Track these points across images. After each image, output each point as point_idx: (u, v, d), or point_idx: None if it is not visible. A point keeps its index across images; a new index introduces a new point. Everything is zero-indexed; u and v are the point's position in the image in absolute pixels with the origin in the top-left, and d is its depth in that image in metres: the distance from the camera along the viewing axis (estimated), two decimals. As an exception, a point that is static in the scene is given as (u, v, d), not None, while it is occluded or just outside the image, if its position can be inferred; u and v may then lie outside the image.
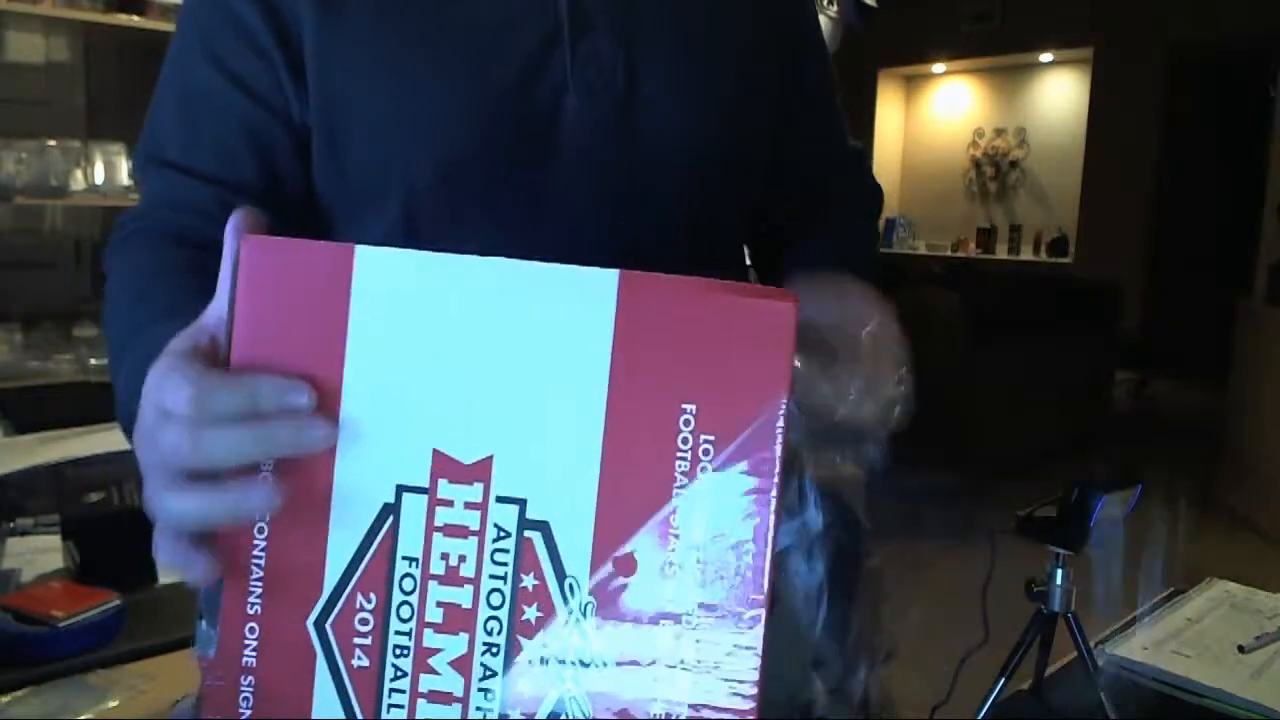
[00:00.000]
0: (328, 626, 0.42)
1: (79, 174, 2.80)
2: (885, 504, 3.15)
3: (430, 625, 0.42)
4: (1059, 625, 1.37)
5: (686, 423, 0.41)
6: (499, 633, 0.42)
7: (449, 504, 0.42)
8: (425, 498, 0.42)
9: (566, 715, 0.41)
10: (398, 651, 0.42)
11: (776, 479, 0.41)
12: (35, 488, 1.27)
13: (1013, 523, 1.42)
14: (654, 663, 0.41)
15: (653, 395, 0.41)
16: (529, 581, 0.42)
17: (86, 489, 1.21)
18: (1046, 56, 7.71)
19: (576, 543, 0.41)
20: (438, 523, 0.42)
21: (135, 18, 2.81)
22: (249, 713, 0.42)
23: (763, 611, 0.42)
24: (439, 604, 0.42)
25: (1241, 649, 1.23)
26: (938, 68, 8.30)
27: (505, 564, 0.42)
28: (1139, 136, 6.91)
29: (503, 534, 0.42)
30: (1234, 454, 4.30)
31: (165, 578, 1.12)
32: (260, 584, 0.42)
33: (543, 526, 0.41)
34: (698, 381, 0.41)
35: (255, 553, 0.42)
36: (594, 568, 0.41)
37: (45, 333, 2.87)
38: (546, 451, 0.41)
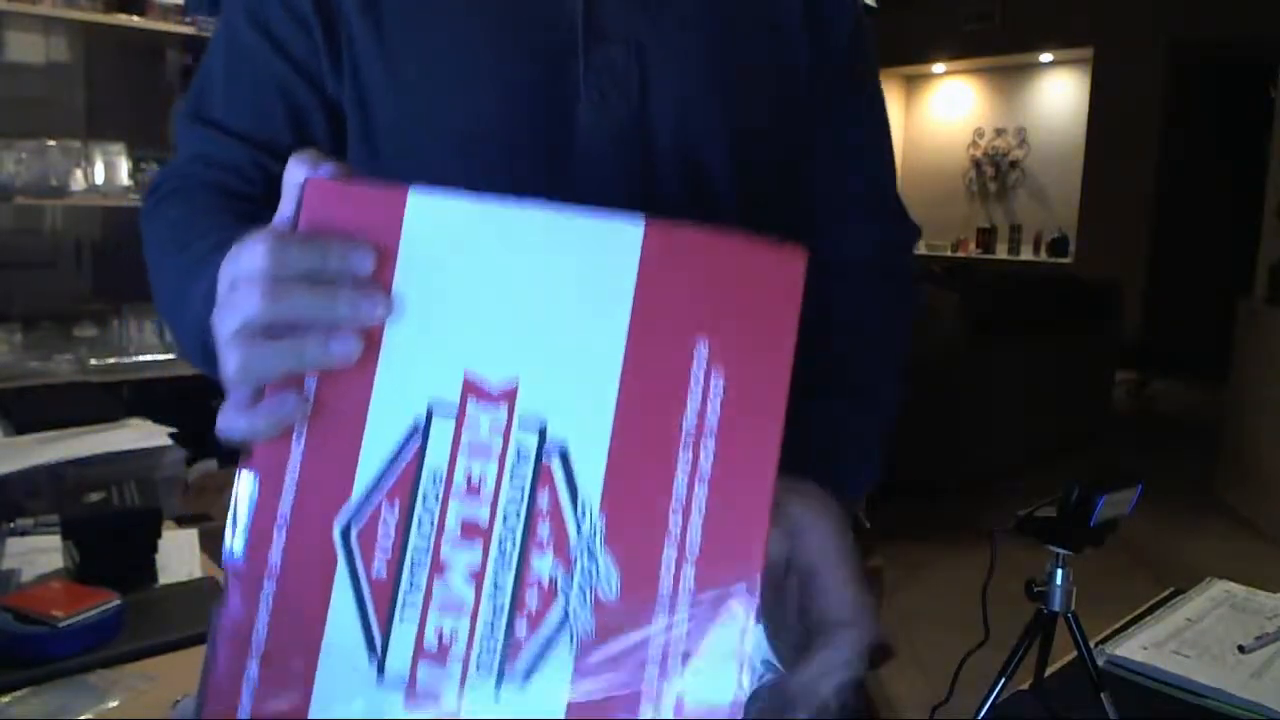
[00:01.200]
0: (352, 534, 0.44)
1: (79, 174, 2.80)
2: (885, 504, 3.16)
3: (448, 539, 0.44)
4: (1059, 625, 1.37)
5: (699, 359, 0.44)
6: (512, 548, 0.44)
7: (475, 425, 0.44)
8: (454, 418, 0.44)
9: (570, 631, 0.43)
10: (415, 561, 0.44)
11: (780, 419, 0.44)
12: (35, 488, 1.27)
13: (1013, 523, 1.42)
14: (657, 590, 0.43)
15: (670, 332, 0.44)
16: (544, 501, 0.44)
17: (86, 489, 1.21)
18: (1046, 56, 7.71)
19: (591, 466, 0.44)
20: (463, 442, 0.44)
21: (135, 18, 2.81)
22: (267, 616, 0.44)
23: (762, 543, 0.44)
24: (458, 519, 0.44)
25: (1241, 649, 1.23)
26: (938, 68, 8.31)
27: (523, 483, 0.44)
28: (1139, 136, 6.91)
29: (523, 455, 0.44)
30: (1234, 454, 4.30)
31: (165, 578, 1.12)
32: (294, 488, 0.45)
33: (561, 450, 0.44)
34: (712, 323, 0.44)
35: (292, 458, 0.45)
36: (606, 491, 0.44)
37: (45, 333, 2.87)
38: (569, 380, 0.44)
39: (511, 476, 0.44)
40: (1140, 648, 1.24)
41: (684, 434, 0.44)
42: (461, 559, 0.44)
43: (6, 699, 0.84)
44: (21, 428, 1.47)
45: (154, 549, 1.12)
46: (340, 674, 0.44)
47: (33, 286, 3.08)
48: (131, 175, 2.91)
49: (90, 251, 3.20)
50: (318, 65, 0.68)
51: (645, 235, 0.45)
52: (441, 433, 0.44)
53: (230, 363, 0.44)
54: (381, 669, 0.43)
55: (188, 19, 2.91)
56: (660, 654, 0.43)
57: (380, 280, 0.44)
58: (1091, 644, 1.26)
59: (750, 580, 0.43)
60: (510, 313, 0.45)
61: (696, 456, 0.44)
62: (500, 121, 0.66)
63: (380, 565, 0.44)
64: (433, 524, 0.44)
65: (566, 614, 0.43)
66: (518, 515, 0.44)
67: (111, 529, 1.12)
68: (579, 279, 0.45)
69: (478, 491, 0.44)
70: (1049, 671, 1.33)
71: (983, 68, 8.16)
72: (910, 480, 3.65)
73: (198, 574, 1.15)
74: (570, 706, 0.43)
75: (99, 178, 2.85)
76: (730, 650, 0.43)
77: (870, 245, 0.78)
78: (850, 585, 0.55)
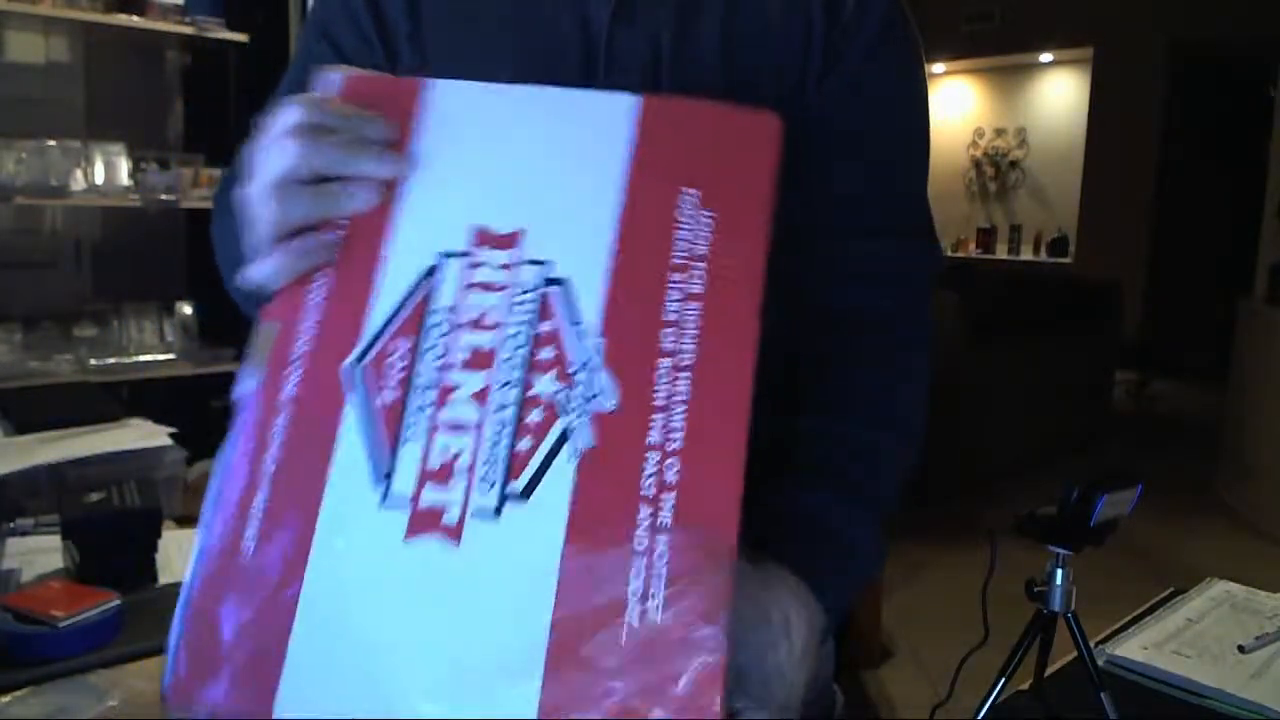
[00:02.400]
0: (362, 367, 0.47)
1: (79, 174, 2.80)
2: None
3: (455, 366, 0.47)
4: (1059, 625, 1.37)
5: (688, 203, 0.49)
6: (516, 371, 0.47)
7: (483, 265, 0.49)
8: (464, 259, 0.49)
9: (573, 444, 0.45)
10: (422, 386, 0.47)
11: (762, 252, 0.48)
12: (35, 488, 1.27)
13: (1013, 523, 1.42)
14: (652, 401, 0.46)
15: (661, 183, 0.49)
16: (546, 327, 0.47)
17: (86, 489, 1.21)
18: (1046, 56, 7.71)
19: (591, 297, 0.47)
20: (472, 280, 0.48)
21: (135, 18, 2.81)
22: (277, 448, 0.47)
23: (752, 352, 0.47)
24: (465, 348, 0.47)
25: (1241, 649, 1.23)
26: (938, 68, 8.30)
27: (527, 313, 0.47)
28: (1139, 136, 6.91)
29: (527, 288, 0.48)
30: (1234, 454, 4.30)
31: (165, 578, 1.12)
32: (311, 330, 0.48)
33: (563, 283, 0.48)
34: (699, 174, 0.49)
35: (310, 303, 0.49)
36: (605, 317, 0.47)
37: (45, 333, 2.87)
38: (570, 227, 0.49)
39: (516, 308, 0.48)
40: (1140, 648, 1.24)
41: (675, 262, 0.48)
42: (467, 383, 0.47)
43: (6, 699, 0.84)
44: (21, 428, 1.46)
45: (154, 549, 1.12)
46: (346, 499, 0.45)
47: (33, 286, 3.08)
48: (131, 175, 2.91)
49: (90, 251, 3.20)
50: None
51: (639, 102, 0.50)
52: (451, 272, 0.48)
53: (266, 212, 0.49)
54: (386, 492, 0.45)
55: (188, 19, 2.91)
56: (657, 464, 0.45)
57: (400, 147, 0.50)
58: (1091, 644, 1.26)
59: (741, 387, 0.46)
60: (517, 174, 0.50)
61: (688, 280, 0.48)
62: None
63: (389, 393, 0.47)
64: (440, 354, 0.47)
65: (567, 428, 0.45)
66: (522, 341, 0.47)
67: (111, 529, 1.12)
68: (579, 142, 0.50)
69: (484, 322, 0.48)
70: (1049, 671, 1.33)
71: (983, 68, 8.16)
72: (910, 480, 3.64)
73: (198, 574, 1.14)
74: (571, 522, 0.44)
75: (99, 178, 2.85)
76: (727, 452, 0.45)
77: (876, 273, 0.74)
78: (802, 656, 0.54)
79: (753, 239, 0.49)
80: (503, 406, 0.46)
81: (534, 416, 0.46)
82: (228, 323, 0.67)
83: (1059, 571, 1.36)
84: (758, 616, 0.53)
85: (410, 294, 0.48)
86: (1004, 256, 7.94)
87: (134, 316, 3.00)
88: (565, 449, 0.45)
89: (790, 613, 0.55)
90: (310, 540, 0.45)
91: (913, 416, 0.73)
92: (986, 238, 8.11)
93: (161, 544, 1.13)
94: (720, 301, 0.47)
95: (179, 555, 1.16)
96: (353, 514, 0.45)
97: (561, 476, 0.45)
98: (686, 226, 0.48)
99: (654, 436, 0.45)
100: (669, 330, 0.47)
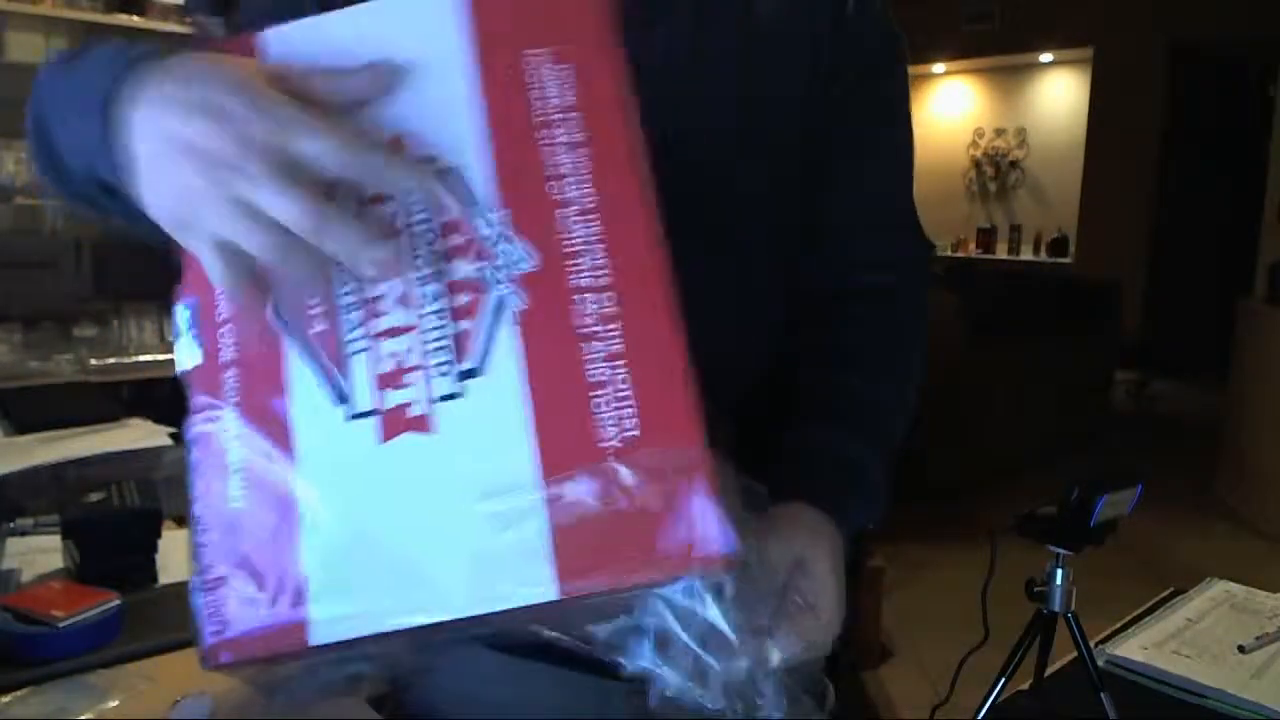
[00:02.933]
0: (284, 308, 0.49)
1: (79, 174, 2.80)
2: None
3: (369, 280, 0.48)
4: (1059, 625, 1.37)
5: (538, 60, 0.50)
6: (431, 262, 0.48)
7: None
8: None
9: (508, 308, 0.47)
10: (349, 307, 0.48)
11: (625, 98, 0.50)
12: (35, 488, 1.27)
13: (1013, 523, 1.42)
14: (571, 250, 0.47)
15: (508, 50, 0.50)
16: (448, 215, 0.48)
17: (86, 489, 1.21)
18: (1046, 56, 7.71)
19: (480, 176, 0.49)
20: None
21: (135, 18, 2.82)
22: (235, 395, 0.49)
23: (646, 191, 0.49)
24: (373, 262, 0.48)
25: (1241, 649, 1.23)
26: (938, 68, 8.30)
27: (425, 210, 0.49)
28: (1139, 137, 6.91)
29: (419, 189, 0.49)
30: (1234, 454, 4.30)
31: (165, 578, 1.12)
32: (223, 295, 0.50)
33: (450, 171, 0.49)
34: (541, 34, 0.51)
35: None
36: (500, 191, 0.48)
37: (45, 333, 2.87)
38: (439, 120, 0.50)
39: (412, 209, 0.49)
40: (1140, 648, 1.24)
41: (548, 119, 0.49)
42: (389, 291, 0.48)
43: (6, 699, 0.85)
44: (21, 428, 1.47)
45: (154, 549, 1.12)
46: (315, 428, 0.47)
47: (33, 286, 3.07)
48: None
49: (90, 251, 3.19)
50: None
51: None
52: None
53: (277, 195, 0.44)
54: (350, 409, 0.47)
55: (188, 19, 2.91)
56: (593, 302, 0.47)
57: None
58: (1091, 644, 1.26)
59: (649, 212, 0.48)
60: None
61: (567, 131, 0.49)
62: None
63: (319, 323, 0.49)
64: (350, 275, 0.48)
65: (499, 298, 0.47)
66: (429, 235, 0.49)
67: (111, 529, 1.12)
68: (417, 38, 0.50)
69: (386, 231, 0.48)
70: (1049, 671, 1.33)
71: (983, 68, 8.15)
72: (910, 480, 3.64)
73: (198, 574, 1.14)
74: (530, 378, 0.46)
75: (99, 178, 2.85)
76: (654, 275, 0.47)
77: (878, 262, 0.79)
78: (836, 580, 0.58)
79: (613, 78, 0.50)
80: (432, 298, 0.48)
81: (463, 298, 0.47)
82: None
83: (1059, 571, 1.36)
84: (780, 559, 0.56)
85: None
86: (1004, 256, 7.94)
87: (134, 316, 3.01)
88: (503, 316, 0.47)
89: (809, 548, 0.58)
90: (292, 474, 0.47)
91: (914, 374, 0.78)
92: (986, 238, 8.10)
93: (161, 544, 1.13)
94: (602, 142, 0.49)
95: (179, 555, 1.16)
96: (326, 438, 0.47)
97: (508, 341, 0.47)
98: (547, 83, 0.50)
99: (582, 279, 0.47)
100: (565, 181, 0.49)
